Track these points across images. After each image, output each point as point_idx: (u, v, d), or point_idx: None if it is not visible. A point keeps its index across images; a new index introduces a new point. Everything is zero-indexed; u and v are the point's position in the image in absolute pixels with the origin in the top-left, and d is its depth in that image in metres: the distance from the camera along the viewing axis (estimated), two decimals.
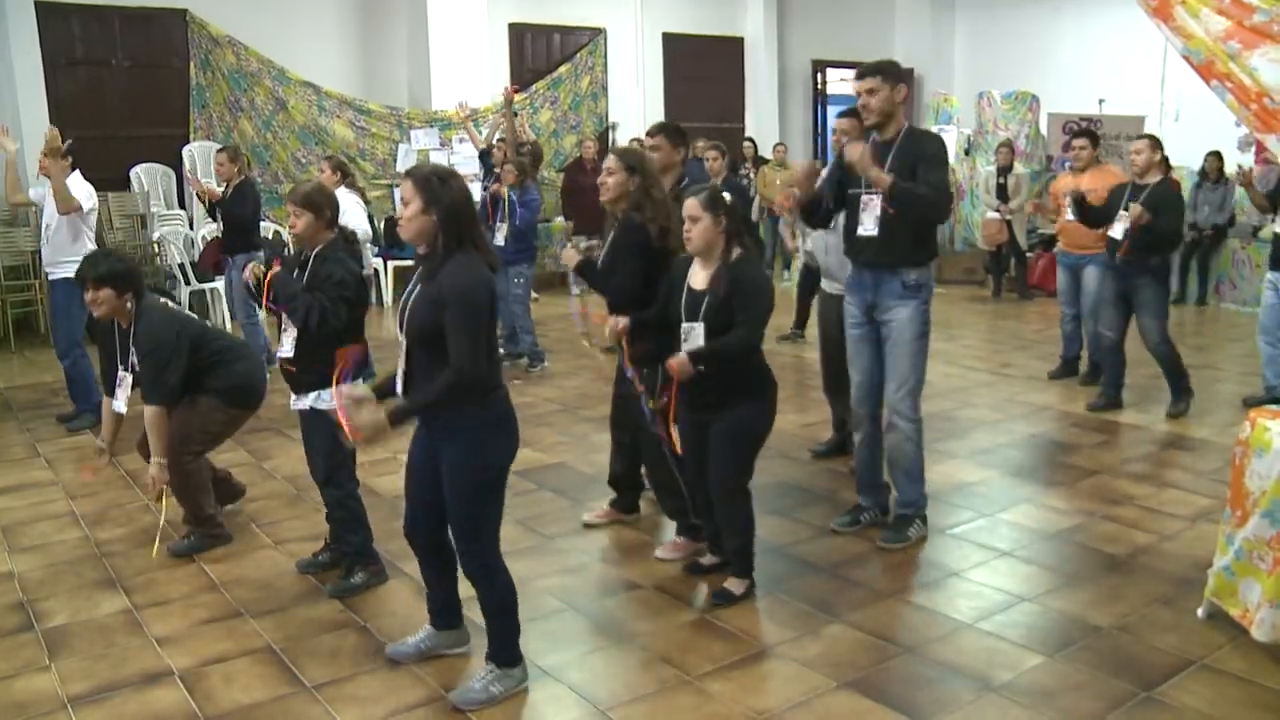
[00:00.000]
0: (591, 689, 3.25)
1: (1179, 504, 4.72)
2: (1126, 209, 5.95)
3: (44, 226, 6.48)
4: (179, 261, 9.55)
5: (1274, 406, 3.67)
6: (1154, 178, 6.04)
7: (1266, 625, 3.18)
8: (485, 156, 9.60)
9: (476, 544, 3.12)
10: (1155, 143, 6.11)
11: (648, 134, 4.73)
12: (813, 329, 8.20)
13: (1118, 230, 6.01)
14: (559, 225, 11.54)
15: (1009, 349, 8.21)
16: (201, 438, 4.32)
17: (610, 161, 4.15)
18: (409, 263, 10.88)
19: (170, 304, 4.46)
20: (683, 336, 3.65)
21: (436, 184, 2.95)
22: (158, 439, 4.17)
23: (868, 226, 4.10)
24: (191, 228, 10.20)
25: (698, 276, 3.68)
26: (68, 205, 6.14)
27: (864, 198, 4.12)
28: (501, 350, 7.72)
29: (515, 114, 10.54)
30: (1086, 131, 7.17)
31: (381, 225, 11.09)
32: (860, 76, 4.03)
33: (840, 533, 4.44)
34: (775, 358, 7.85)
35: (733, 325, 3.57)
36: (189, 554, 4.31)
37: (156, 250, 9.76)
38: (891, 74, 4.01)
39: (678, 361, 3.56)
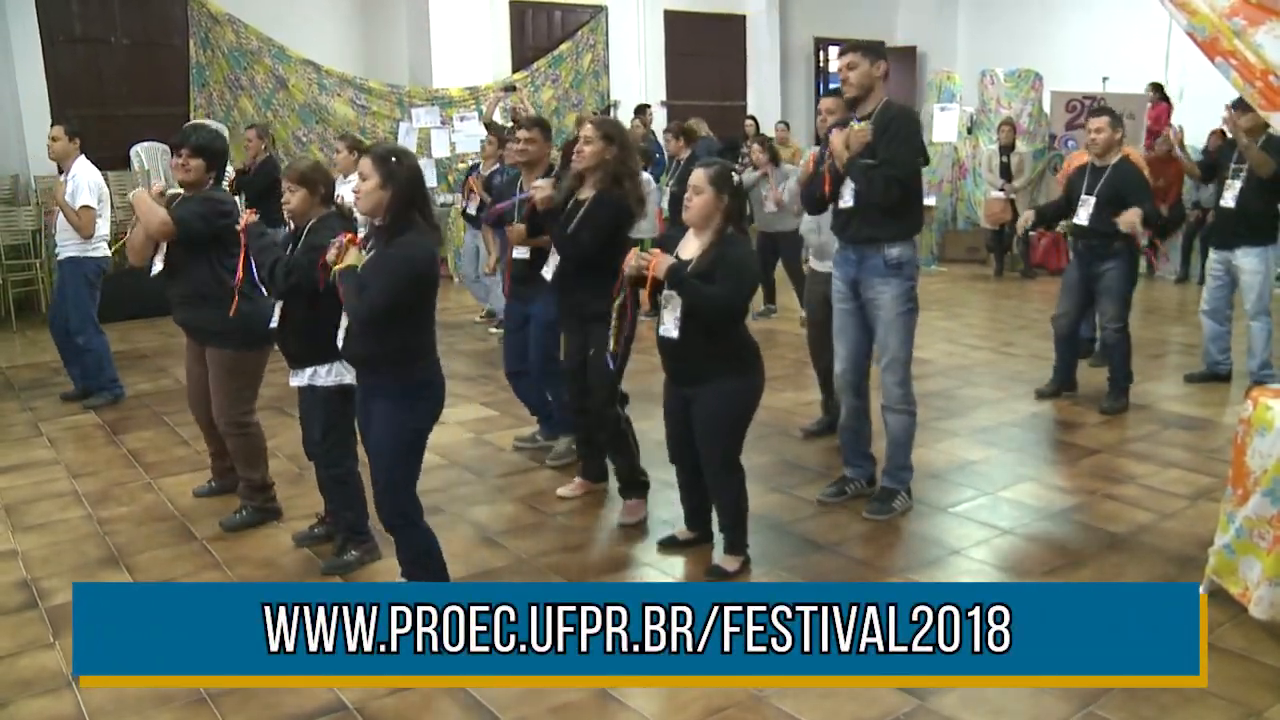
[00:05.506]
0: None
1: (1180, 483, 4.72)
2: (1091, 193, 5.72)
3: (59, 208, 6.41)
4: None
5: (1276, 386, 3.67)
6: (1114, 158, 5.74)
7: (1265, 603, 3.19)
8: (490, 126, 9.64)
9: (394, 496, 3.40)
10: (1116, 120, 5.80)
11: (521, 128, 4.87)
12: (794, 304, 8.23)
13: (1082, 216, 5.77)
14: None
15: (1011, 328, 8.20)
16: (252, 384, 4.40)
17: (588, 129, 4.17)
18: None
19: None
20: (661, 304, 3.62)
21: (393, 162, 3.24)
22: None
23: (845, 199, 4.22)
24: None
25: (688, 247, 3.67)
26: (86, 232, 6.14)
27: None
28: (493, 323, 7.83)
29: (515, 89, 10.50)
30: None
31: None
32: (842, 54, 4.22)
33: (826, 504, 4.50)
34: (772, 335, 7.91)
35: None
36: (242, 528, 4.35)
37: None
38: (871, 51, 4.18)
39: (661, 258, 3.50)
